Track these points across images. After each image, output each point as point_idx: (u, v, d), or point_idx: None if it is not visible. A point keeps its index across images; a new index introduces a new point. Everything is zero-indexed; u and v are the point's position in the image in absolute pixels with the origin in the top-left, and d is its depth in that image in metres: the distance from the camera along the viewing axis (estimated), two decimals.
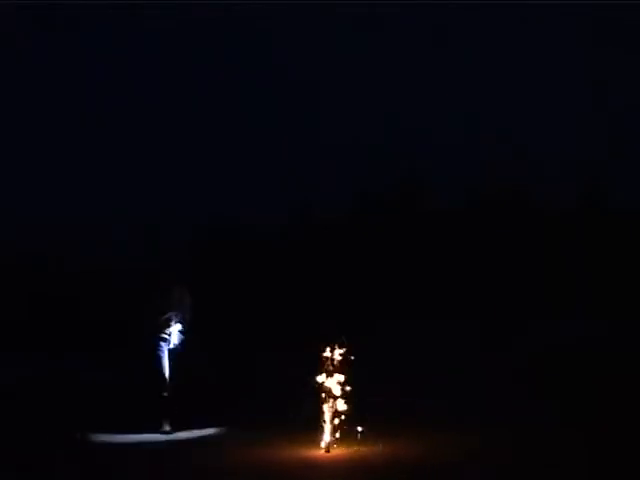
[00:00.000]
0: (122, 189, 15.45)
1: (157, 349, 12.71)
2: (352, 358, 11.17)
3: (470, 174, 15.23)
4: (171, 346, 12.71)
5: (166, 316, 12.72)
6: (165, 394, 12.55)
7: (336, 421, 11.15)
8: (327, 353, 11.22)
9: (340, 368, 11.20)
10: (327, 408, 11.15)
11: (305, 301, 14.44)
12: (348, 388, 11.16)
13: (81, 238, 15.48)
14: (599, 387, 12.85)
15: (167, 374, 12.64)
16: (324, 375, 11.20)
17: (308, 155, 15.11)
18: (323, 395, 11.19)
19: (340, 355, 11.21)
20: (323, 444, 11.14)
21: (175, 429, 12.41)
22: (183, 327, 12.78)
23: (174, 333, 12.77)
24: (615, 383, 12.95)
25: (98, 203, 15.34)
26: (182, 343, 12.75)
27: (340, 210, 15.45)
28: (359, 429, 11.11)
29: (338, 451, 11.09)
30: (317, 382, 11.19)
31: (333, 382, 11.17)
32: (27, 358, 15.46)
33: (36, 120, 15.34)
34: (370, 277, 14.65)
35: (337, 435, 11.13)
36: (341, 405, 11.16)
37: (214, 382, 14.31)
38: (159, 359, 12.70)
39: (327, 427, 11.17)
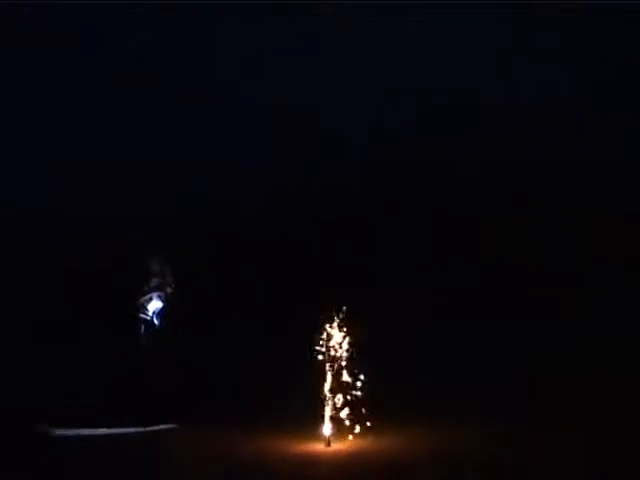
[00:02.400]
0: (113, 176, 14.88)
1: (138, 332, 11.98)
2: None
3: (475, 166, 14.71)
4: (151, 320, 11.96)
5: (145, 297, 11.98)
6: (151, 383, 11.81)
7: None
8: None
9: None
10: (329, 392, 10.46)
11: (301, 289, 13.81)
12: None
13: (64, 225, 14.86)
14: (602, 387, 12.33)
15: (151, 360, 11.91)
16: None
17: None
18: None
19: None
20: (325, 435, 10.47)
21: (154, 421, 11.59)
22: (165, 304, 11.99)
23: (151, 310, 11.98)
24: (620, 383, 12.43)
25: (90, 191, 14.76)
26: (161, 319, 11.98)
27: (341, 198, 14.87)
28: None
29: (339, 445, 10.42)
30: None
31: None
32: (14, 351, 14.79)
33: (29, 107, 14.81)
34: (370, 271, 14.07)
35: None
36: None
37: (205, 370, 13.51)
38: (141, 343, 11.98)
39: (327, 418, 10.47)
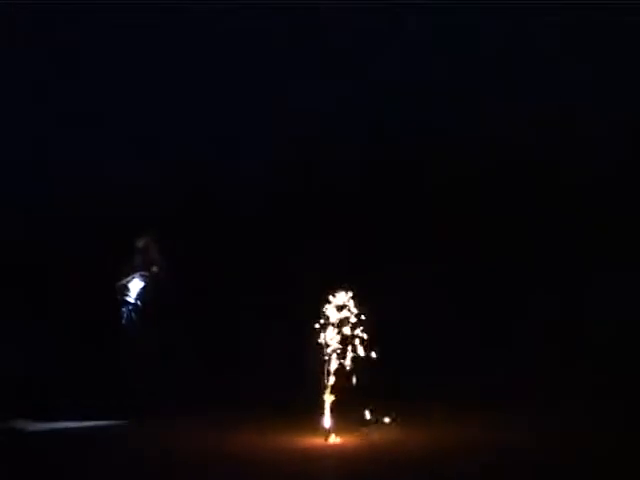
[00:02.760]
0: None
1: (121, 316, 11.36)
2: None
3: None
4: (134, 303, 11.31)
5: (127, 278, 11.33)
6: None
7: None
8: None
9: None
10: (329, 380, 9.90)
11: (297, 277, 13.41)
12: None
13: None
14: None
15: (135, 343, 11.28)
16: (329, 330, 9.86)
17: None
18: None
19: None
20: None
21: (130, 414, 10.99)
22: (147, 284, 11.36)
23: (134, 291, 11.33)
24: None
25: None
26: (143, 301, 11.32)
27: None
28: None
29: (341, 439, 9.89)
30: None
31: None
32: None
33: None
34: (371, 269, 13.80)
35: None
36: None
37: (191, 353, 12.91)
38: (125, 327, 11.38)
39: (327, 409, 9.86)
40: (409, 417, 10.72)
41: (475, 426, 10.47)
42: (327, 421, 9.90)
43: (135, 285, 11.41)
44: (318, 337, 9.97)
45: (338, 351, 9.95)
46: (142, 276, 11.40)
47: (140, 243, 11.48)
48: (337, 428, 10.00)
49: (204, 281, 13.40)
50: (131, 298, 11.42)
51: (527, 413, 10.94)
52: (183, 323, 12.13)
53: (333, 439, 9.90)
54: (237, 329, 13.34)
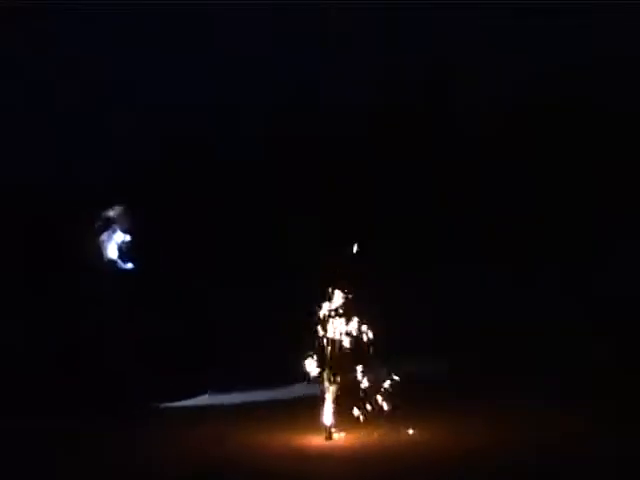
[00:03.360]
0: None
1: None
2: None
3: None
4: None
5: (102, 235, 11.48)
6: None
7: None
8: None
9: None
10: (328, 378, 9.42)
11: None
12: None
13: None
14: None
15: None
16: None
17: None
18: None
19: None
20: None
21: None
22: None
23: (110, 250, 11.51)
24: None
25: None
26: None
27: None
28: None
29: (341, 438, 9.29)
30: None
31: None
32: None
33: None
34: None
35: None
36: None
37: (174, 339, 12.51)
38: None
39: (328, 405, 9.27)
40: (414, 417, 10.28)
41: (482, 427, 10.01)
42: (328, 418, 9.33)
43: (111, 245, 11.59)
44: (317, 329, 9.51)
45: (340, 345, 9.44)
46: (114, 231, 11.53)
47: (110, 213, 11.55)
48: (338, 425, 9.44)
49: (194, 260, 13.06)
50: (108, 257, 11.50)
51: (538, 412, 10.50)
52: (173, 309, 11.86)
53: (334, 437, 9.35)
54: (231, 316, 12.94)
